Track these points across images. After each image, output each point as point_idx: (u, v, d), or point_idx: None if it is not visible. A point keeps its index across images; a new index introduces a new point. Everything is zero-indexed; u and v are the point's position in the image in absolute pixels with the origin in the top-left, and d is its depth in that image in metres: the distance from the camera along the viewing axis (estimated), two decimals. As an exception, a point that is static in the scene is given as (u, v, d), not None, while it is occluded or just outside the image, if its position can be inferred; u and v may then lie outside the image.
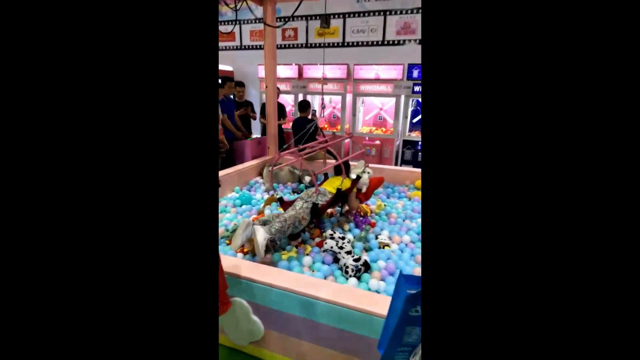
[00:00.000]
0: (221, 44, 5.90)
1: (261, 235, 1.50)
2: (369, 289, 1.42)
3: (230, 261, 1.40)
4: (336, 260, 1.60)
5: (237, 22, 5.52)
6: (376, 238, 1.85)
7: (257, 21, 5.28)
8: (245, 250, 1.69)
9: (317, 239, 1.82)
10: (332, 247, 1.61)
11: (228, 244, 1.76)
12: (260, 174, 3.02)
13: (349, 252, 1.56)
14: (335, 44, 5.07)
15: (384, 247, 1.77)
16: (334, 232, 1.70)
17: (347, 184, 2.03)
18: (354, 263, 1.49)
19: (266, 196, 2.50)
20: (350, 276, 1.47)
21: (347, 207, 2.17)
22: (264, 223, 1.64)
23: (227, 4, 2.96)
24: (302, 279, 1.28)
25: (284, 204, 1.90)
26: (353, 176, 2.09)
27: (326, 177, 2.29)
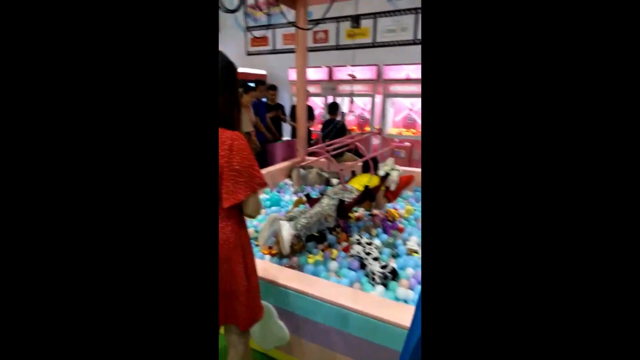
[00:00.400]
0: (255, 49, 6.07)
1: (286, 231, 1.50)
2: (396, 298, 1.38)
3: (258, 264, 1.43)
4: (362, 266, 1.57)
5: (271, 27, 5.65)
6: (404, 244, 1.80)
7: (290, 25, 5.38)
8: (273, 251, 1.72)
9: (344, 244, 1.81)
10: (358, 253, 1.59)
11: (258, 245, 1.80)
12: (289, 176, 3.06)
13: (375, 259, 1.54)
14: (366, 45, 5.02)
15: (412, 254, 1.72)
16: (361, 237, 1.68)
17: (375, 181, 1.98)
18: (380, 270, 1.46)
19: (295, 198, 2.53)
20: (377, 283, 1.45)
21: (375, 210, 2.13)
22: (290, 219, 1.65)
23: (260, 9, 3.04)
24: (332, 287, 1.28)
25: (311, 201, 1.89)
26: (381, 173, 2.04)
27: (353, 174, 2.25)
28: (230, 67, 0.95)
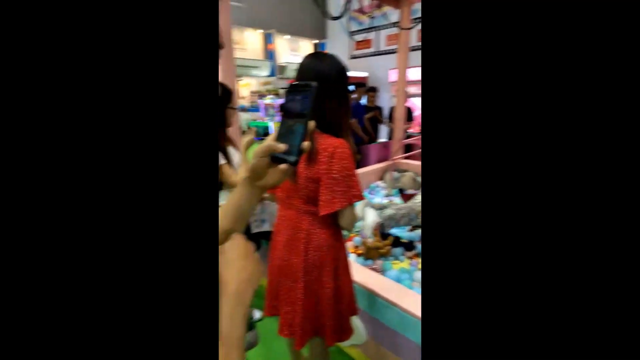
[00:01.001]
0: (359, 52, 6.19)
1: (370, 217, 1.49)
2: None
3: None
4: (453, 281, 1.44)
5: (374, 29, 5.66)
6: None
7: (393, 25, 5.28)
8: (359, 251, 1.74)
9: (434, 254, 1.69)
10: (449, 266, 1.46)
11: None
12: (382, 178, 3.02)
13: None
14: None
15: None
16: (454, 250, 1.54)
17: None
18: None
19: (385, 201, 2.49)
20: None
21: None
22: (380, 208, 1.62)
23: (364, 13, 3.08)
24: (419, 301, 1.22)
25: (405, 197, 1.81)
26: None
27: None
28: (342, 72, 0.88)
